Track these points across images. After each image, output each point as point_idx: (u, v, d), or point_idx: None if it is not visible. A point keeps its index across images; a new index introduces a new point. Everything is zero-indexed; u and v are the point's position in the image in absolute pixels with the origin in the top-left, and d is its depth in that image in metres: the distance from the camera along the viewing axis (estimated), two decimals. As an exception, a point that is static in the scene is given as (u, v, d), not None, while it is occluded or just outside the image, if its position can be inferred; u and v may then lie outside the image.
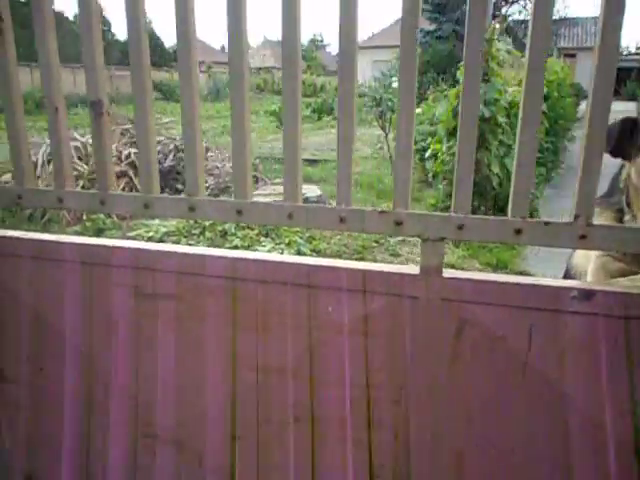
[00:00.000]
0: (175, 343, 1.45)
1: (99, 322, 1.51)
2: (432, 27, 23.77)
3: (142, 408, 1.50)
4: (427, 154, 5.12)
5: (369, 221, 1.26)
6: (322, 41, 64.65)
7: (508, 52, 5.08)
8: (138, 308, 1.47)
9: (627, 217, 1.44)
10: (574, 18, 25.71)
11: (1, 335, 1.60)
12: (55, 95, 1.36)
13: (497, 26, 4.47)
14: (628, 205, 1.45)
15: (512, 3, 20.98)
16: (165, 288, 1.43)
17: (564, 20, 23.03)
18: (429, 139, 5.26)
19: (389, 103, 7.14)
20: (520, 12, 20.94)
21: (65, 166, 1.44)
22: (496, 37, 4.19)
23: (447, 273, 1.25)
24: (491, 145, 4.41)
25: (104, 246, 1.50)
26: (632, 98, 22.37)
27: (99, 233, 4.60)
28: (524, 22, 21.19)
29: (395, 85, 7.51)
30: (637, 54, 28.29)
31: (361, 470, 1.37)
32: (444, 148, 4.50)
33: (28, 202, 1.53)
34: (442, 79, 15.97)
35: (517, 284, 1.22)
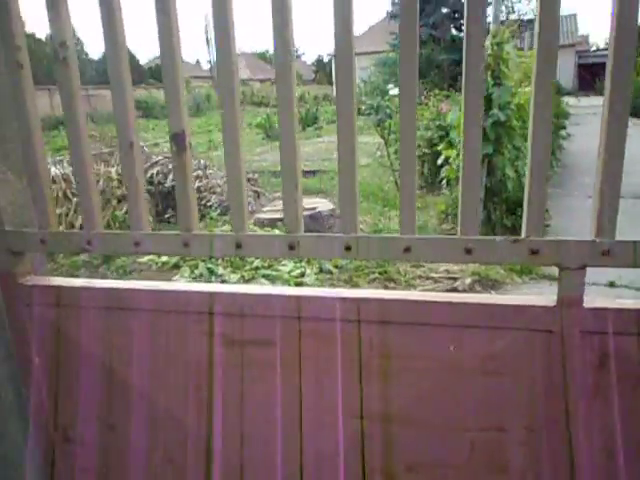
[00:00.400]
0: (272, 395, 1.31)
1: (176, 374, 1.36)
2: (408, 32, 23.92)
3: (228, 467, 1.35)
4: (441, 160, 5.05)
5: (500, 251, 1.13)
6: (297, 50, 64.91)
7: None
8: (228, 357, 1.32)
9: None
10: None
11: (65, 391, 1.44)
12: (130, 129, 1.22)
13: (507, 30, 4.43)
14: None
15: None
16: (260, 333, 1.29)
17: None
18: (441, 144, 5.19)
19: (387, 110, 7.07)
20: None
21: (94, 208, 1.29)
22: (509, 40, 4.14)
23: (588, 302, 1.13)
24: (505, 149, 4.35)
25: (178, 291, 1.36)
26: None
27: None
28: (502, 22, 21.46)
29: (392, 92, 7.46)
30: (606, 49, 28.71)
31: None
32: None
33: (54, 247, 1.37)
34: (422, 82, 16.08)
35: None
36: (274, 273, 3.92)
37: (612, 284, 4.04)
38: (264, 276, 3.89)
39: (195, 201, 1.26)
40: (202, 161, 7.15)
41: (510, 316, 1.17)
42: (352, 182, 1.17)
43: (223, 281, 3.69)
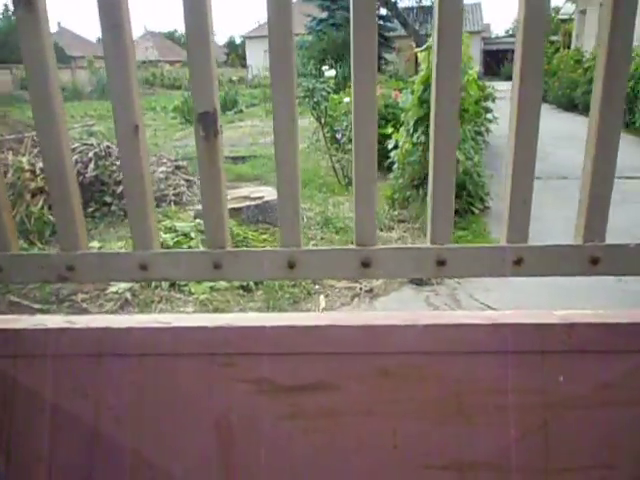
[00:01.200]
0: (334, 454, 1.02)
1: (192, 435, 1.02)
2: (324, 15, 23.76)
3: None
4: (391, 144, 4.88)
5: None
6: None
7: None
8: (267, 409, 1.01)
9: None
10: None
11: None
12: (135, 108, 0.85)
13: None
14: None
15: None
16: (312, 376, 0.99)
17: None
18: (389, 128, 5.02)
19: (323, 93, 6.79)
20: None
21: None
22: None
23: None
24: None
25: (184, 328, 1.01)
26: (509, 78, 24.09)
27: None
28: (413, 9, 21.86)
29: (328, 74, 7.19)
30: (510, 36, 30.59)
31: None
32: (414, 138, 4.28)
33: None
34: (340, 65, 15.96)
35: None
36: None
37: None
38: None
39: (226, 210, 0.92)
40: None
41: (627, 336, 0.97)
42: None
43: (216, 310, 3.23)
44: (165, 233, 3.90)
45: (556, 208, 4.66)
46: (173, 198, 5.53)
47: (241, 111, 16.91)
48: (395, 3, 21.59)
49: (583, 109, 13.38)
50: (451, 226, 0.90)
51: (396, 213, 5.20)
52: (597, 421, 1.01)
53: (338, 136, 7.33)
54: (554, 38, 23.64)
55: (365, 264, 0.91)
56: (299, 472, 1.00)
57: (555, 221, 3.75)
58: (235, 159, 8.89)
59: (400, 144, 4.76)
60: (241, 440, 1.01)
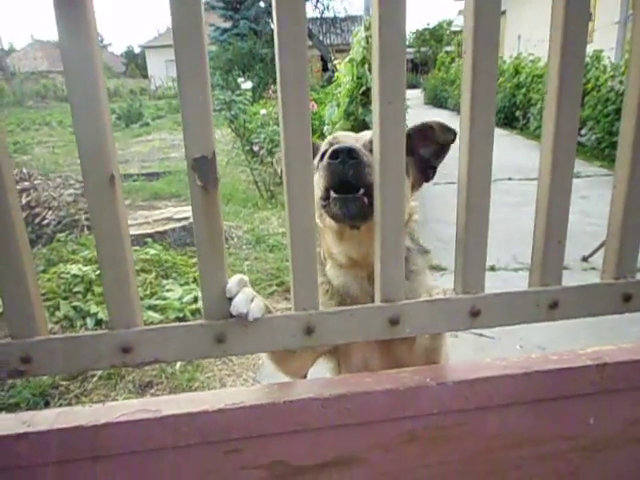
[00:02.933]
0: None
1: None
2: (228, 25, 23.45)
3: None
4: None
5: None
6: (102, 41, 59.19)
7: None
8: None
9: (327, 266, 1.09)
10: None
11: None
12: (111, 160, 0.67)
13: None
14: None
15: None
16: (328, 453, 0.85)
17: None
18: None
19: (241, 106, 6.60)
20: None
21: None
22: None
23: None
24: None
25: (160, 418, 0.83)
26: (410, 86, 25.26)
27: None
28: (316, 19, 22.13)
29: (244, 86, 7.02)
30: (409, 46, 32.00)
31: None
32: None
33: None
34: (248, 76, 15.79)
35: None
36: (161, 302, 3.27)
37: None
38: (149, 307, 3.21)
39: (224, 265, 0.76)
40: (24, 169, 5.85)
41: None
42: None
43: (99, 321, 2.91)
44: (85, 265, 3.52)
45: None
46: (86, 223, 5.06)
47: (147, 124, 16.14)
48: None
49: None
50: (484, 272, 0.81)
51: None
52: (627, 459, 0.96)
53: (256, 149, 7.16)
54: (448, 49, 25.13)
55: (393, 321, 0.80)
56: None
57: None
58: (149, 175, 8.42)
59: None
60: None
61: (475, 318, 0.81)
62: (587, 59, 8.54)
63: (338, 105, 4.32)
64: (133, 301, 0.75)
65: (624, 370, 0.91)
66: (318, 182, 0.92)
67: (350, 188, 0.88)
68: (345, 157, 0.86)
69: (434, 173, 1.07)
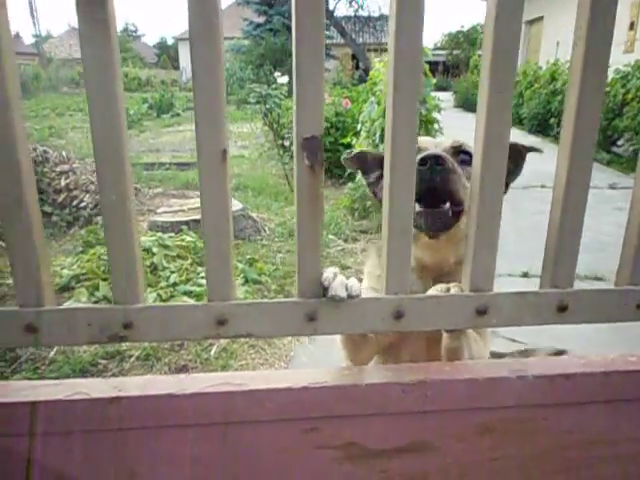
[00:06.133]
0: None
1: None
2: (261, 20, 23.57)
3: None
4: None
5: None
6: (136, 31, 59.98)
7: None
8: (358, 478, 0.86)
9: None
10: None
11: None
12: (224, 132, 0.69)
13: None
14: None
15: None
16: (401, 438, 0.86)
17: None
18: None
19: (276, 100, 6.64)
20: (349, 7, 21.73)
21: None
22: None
23: None
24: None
25: (245, 392, 0.85)
26: (441, 88, 25.05)
27: None
28: (350, 18, 22.12)
29: (281, 80, 7.05)
30: (442, 48, 31.84)
31: None
32: (380, 148, 4.24)
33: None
34: (280, 71, 15.85)
35: None
36: (197, 289, 3.31)
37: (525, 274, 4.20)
38: (185, 293, 3.27)
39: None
40: (64, 152, 5.98)
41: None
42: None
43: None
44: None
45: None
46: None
47: (178, 114, 16.32)
48: (333, 11, 21.79)
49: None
50: (575, 268, 0.81)
51: (357, 224, 5.14)
52: None
53: (287, 143, 7.19)
54: (480, 52, 24.80)
55: (480, 311, 0.80)
56: None
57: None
58: (180, 165, 8.52)
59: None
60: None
61: (562, 314, 0.81)
62: (628, 69, 8.37)
63: (378, 103, 4.32)
64: (230, 274, 0.76)
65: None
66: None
67: (435, 195, 0.89)
68: (433, 164, 0.87)
69: (506, 190, 1.08)
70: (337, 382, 0.83)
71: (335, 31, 20.45)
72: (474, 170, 0.78)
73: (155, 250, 3.53)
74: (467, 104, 18.58)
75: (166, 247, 3.59)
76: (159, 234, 3.80)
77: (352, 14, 20.66)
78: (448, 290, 0.83)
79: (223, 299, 0.76)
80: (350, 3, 20.99)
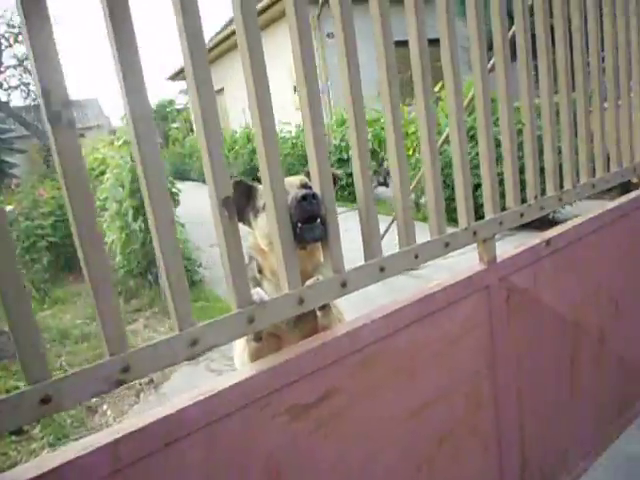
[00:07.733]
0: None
1: None
2: None
3: None
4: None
5: (459, 239, 1.53)
6: None
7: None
8: (302, 431, 1.20)
9: (264, 283, 1.46)
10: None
11: None
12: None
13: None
14: (260, 272, 1.47)
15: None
16: (322, 388, 1.24)
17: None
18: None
19: None
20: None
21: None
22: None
23: (499, 257, 1.68)
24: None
25: (211, 397, 1.12)
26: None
27: None
28: (29, 107, 20.65)
29: None
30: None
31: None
32: (135, 226, 4.37)
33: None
34: None
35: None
36: None
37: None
38: None
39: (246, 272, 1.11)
40: None
41: (467, 286, 1.59)
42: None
43: None
44: None
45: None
46: None
47: None
48: (7, 103, 20.12)
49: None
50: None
51: (129, 305, 5.10)
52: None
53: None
54: (175, 125, 26.16)
55: (343, 285, 1.25)
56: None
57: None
58: None
59: (116, 236, 4.77)
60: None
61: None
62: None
63: (121, 186, 4.47)
64: (189, 304, 1.03)
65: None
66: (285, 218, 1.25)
67: (311, 217, 1.26)
68: (311, 199, 1.27)
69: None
70: (270, 365, 1.16)
71: (17, 123, 18.87)
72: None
73: None
74: (179, 174, 19.07)
75: None
76: None
77: (31, 103, 19.36)
78: (317, 279, 1.26)
79: (192, 324, 1.02)
80: (27, 93, 19.75)
